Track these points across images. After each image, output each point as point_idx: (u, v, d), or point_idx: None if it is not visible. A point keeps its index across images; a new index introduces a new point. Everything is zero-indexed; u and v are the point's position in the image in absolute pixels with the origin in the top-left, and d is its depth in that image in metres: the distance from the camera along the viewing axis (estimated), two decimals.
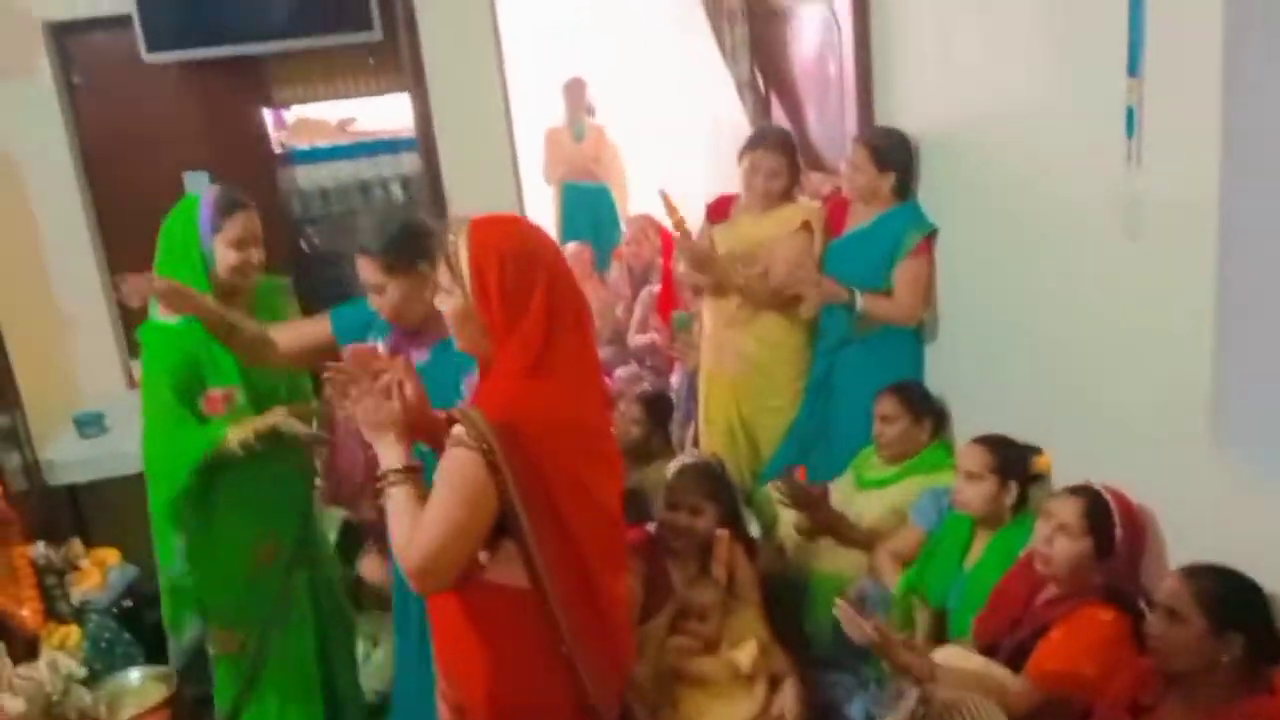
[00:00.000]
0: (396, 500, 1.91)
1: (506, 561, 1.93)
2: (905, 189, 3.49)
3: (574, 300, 1.96)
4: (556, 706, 2.01)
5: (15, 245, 3.91)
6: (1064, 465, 2.78)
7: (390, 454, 1.93)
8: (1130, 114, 2.40)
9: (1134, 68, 2.38)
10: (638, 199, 6.67)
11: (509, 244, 1.89)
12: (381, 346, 2.45)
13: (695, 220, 3.74)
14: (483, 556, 1.94)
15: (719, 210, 3.72)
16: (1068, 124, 2.68)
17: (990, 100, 3.05)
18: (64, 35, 4.07)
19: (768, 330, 3.58)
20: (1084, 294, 2.69)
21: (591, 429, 1.99)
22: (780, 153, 3.53)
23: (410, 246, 2.48)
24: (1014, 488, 2.76)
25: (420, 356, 2.52)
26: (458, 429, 1.86)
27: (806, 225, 3.52)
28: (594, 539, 1.97)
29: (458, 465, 1.85)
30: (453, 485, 1.85)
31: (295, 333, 2.72)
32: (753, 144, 3.59)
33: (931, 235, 3.41)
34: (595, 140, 6.75)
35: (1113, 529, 2.40)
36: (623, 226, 6.32)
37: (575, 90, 6.64)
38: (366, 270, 2.52)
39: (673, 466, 3.07)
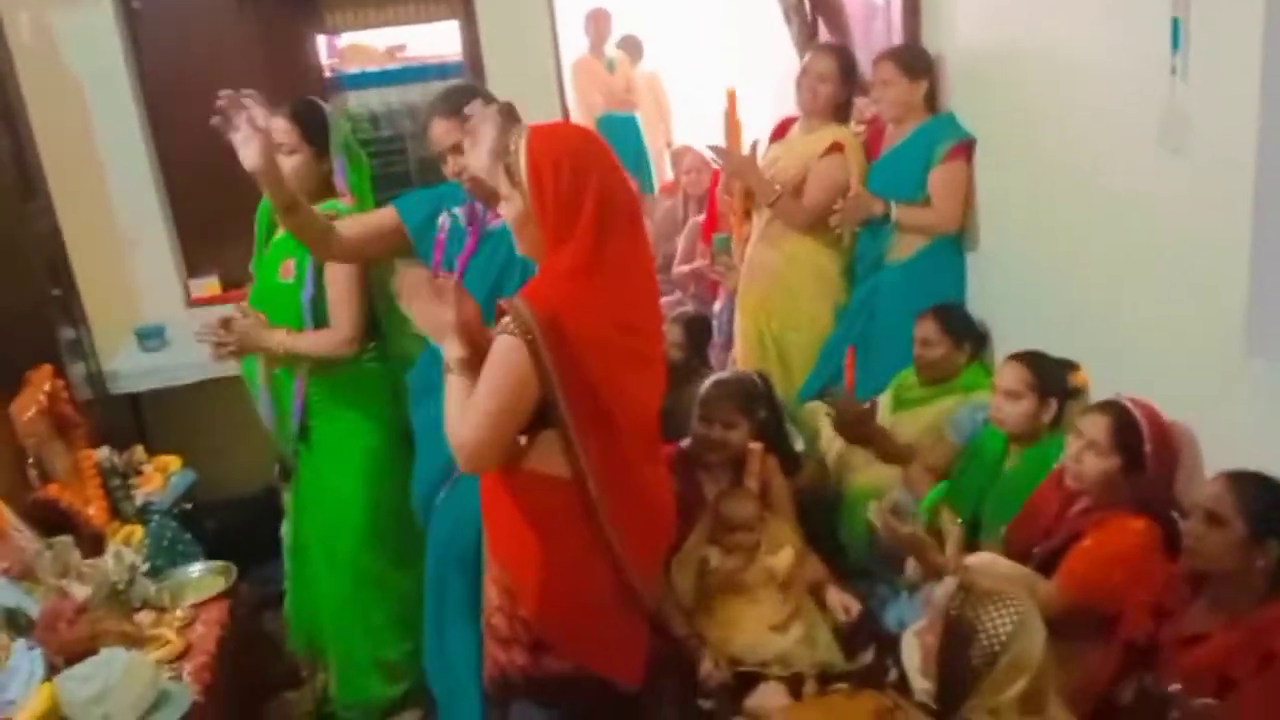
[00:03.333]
0: (452, 388, 2.02)
1: (549, 452, 2.02)
2: (934, 103, 3.50)
3: (628, 204, 2.04)
4: (601, 591, 2.12)
5: (78, 168, 3.99)
6: (1100, 381, 2.80)
7: (450, 349, 2.05)
8: (1176, 26, 2.39)
9: None
10: (685, 133, 6.67)
11: (564, 148, 1.98)
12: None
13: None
14: (521, 440, 2.04)
15: (780, 131, 3.77)
16: (1112, 38, 2.67)
17: (1034, 16, 3.03)
18: None
19: (794, 248, 3.62)
20: (1123, 208, 2.70)
21: (637, 330, 2.06)
22: (831, 59, 3.56)
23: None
24: (1053, 405, 2.77)
25: (496, 223, 2.57)
26: (505, 319, 1.95)
27: (837, 146, 3.52)
28: (633, 432, 2.07)
29: (502, 351, 1.94)
30: (497, 369, 1.94)
31: (359, 224, 2.72)
32: (810, 52, 3.62)
33: (967, 143, 3.41)
34: (625, 70, 6.73)
35: (1142, 445, 2.41)
36: (650, 156, 6.33)
37: (600, 21, 6.59)
38: (442, 131, 2.57)
39: (708, 382, 3.09)
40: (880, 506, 2.69)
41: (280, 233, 2.91)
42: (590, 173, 1.97)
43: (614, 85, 6.60)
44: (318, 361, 2.89)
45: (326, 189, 2.89)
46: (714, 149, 3.68)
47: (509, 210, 2.02)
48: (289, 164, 2.76)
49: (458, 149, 2.51)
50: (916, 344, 3.30)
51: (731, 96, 3.66)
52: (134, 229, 4.19)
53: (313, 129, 2.86)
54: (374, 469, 2.96)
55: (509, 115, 2.20)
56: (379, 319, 2.93)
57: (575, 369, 1.95)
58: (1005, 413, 2.81)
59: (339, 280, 2.83)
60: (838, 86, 3.54)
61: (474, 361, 2.01)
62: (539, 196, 1.95)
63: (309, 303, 2.87)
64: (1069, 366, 2.83)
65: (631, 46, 6.96)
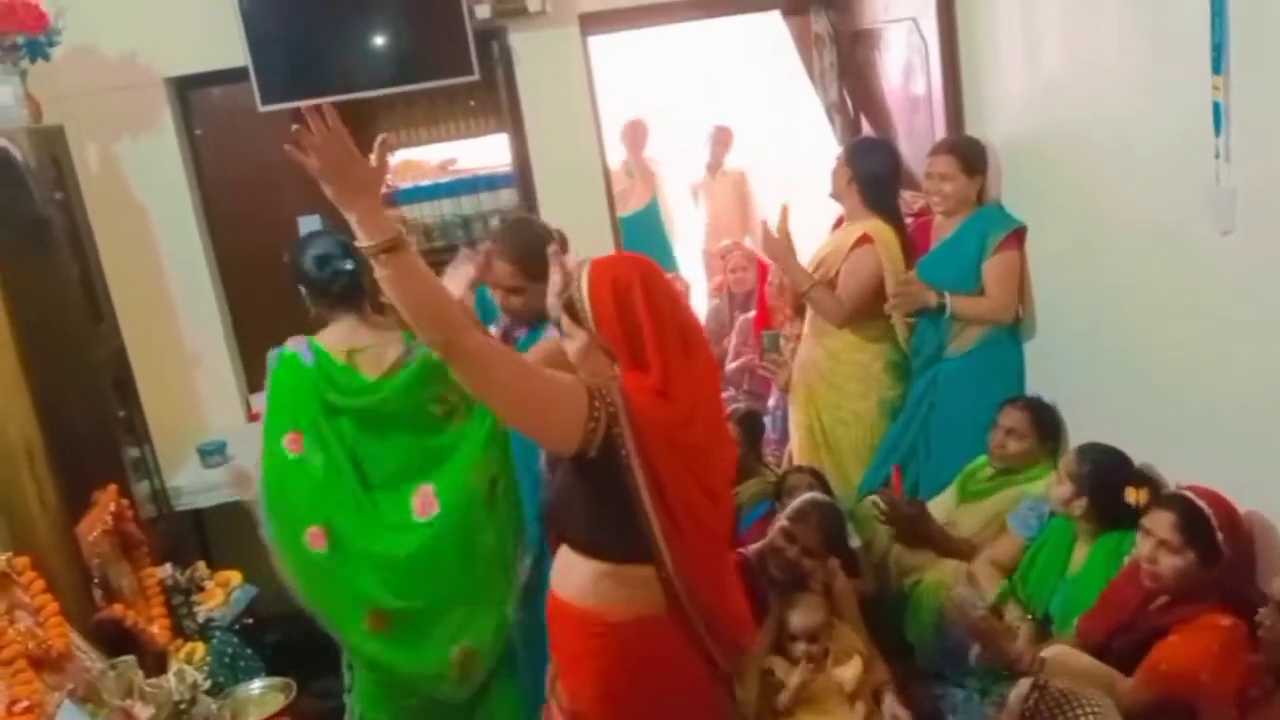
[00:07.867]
0: (406, 264, 1.82)
1: (643, 586, 2.06)
2: (982, 194, 3.50)
3: (694, 331, 2.13)
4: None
5: (145, 288, 4.08)
6: (1168, 467, 2.74)
7: (376, 221, 1.85)
8: (1217, 110, 2.39)
9: (1218, 65, 2.37)
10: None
11: (621, 278, 2.05)
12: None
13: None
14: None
15: (837, 226, 3.78)
16: (1155, 124, 2.68)
17: (1077, 104, 3.04)
18: (185, 90, 4.30)
19: (834, 344, 3.59)
20: (1178, 291, 2.67)
21: (710, 468, 2.10)
22: (842, 159, 3.59)
23: (544, 255, 2.59)
24: (1084, 501, 2.76)
25: (520, 333, 2.77)
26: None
27: (865, 238, 3.48)
28: (706, 547, 2.12)
29: (566, 381, 1.99)
30: (550, 374, 1.99)
31: None
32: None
33: (1019, 232, 3.38)
34: (643, 175, 6.77)
35: (1214, 536, 2.35)
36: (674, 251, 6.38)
37: (633, 132, 6.63)
38: (505, 274, 2.71)
39: (805, 499, 3.00)
40: (949, 597, 2.63)
41: None
42: (648, 299, 2.03)
43: (629, 189, 6.34)
44: None
45: None
46: (764, 225, 3.63)
47: (572, 345, 2.08)
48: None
49: (516, 291, 2.69)
50: (999, 432, 3.22)
51: (784, 213, 3.58)
52: (196, 347, 4.29)
53: None
54: None
55: (563, 247, 2.30)
56: None
57: (650, 465, 1.97)
58: (1054, 493, 2.86)
59: None
60: (847, 179, 3.55)
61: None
62: (606, 326, 2.02)
63: None
64: (1137, 482, 2.70)
65: (717, 141, 6.90)
